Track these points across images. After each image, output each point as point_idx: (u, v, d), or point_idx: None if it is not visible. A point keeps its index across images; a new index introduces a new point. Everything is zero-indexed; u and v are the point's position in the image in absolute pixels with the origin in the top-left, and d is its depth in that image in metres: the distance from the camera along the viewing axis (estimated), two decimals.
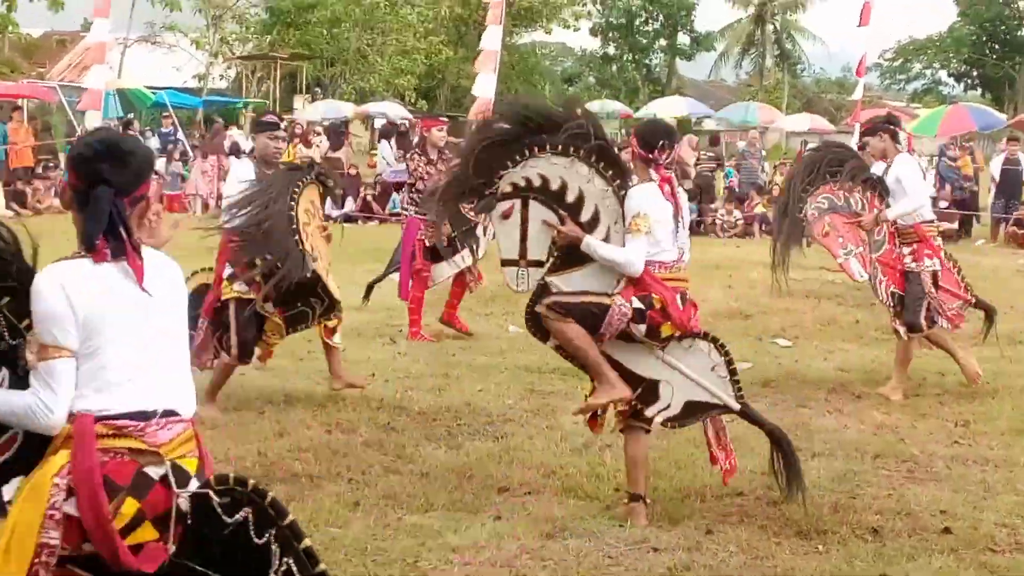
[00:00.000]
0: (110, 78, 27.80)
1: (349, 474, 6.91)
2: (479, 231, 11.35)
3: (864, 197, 9.40)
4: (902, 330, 9.36)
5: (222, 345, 8.32)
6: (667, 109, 42.18)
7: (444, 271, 11.42)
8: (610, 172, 6.23)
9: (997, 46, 65.88)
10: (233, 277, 8.16)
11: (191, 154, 27.40)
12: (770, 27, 64.85)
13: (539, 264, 6.27)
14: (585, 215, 6.20)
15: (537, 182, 6.21)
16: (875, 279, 9.45)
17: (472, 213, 10.22)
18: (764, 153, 29.72)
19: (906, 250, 9.43)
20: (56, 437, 3.52)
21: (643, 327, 6.13)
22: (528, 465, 7.14)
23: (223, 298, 8.22)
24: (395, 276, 11.91)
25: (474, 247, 11.37)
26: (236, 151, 28.07)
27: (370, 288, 12.20)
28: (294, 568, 3.48)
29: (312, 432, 7.77)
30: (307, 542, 3.52)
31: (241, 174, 8.26)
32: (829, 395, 9.37)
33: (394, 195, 25.25)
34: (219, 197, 26.17)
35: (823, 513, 6.40)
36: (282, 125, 8.47)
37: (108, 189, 3.56)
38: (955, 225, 24.18)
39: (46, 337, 3.47)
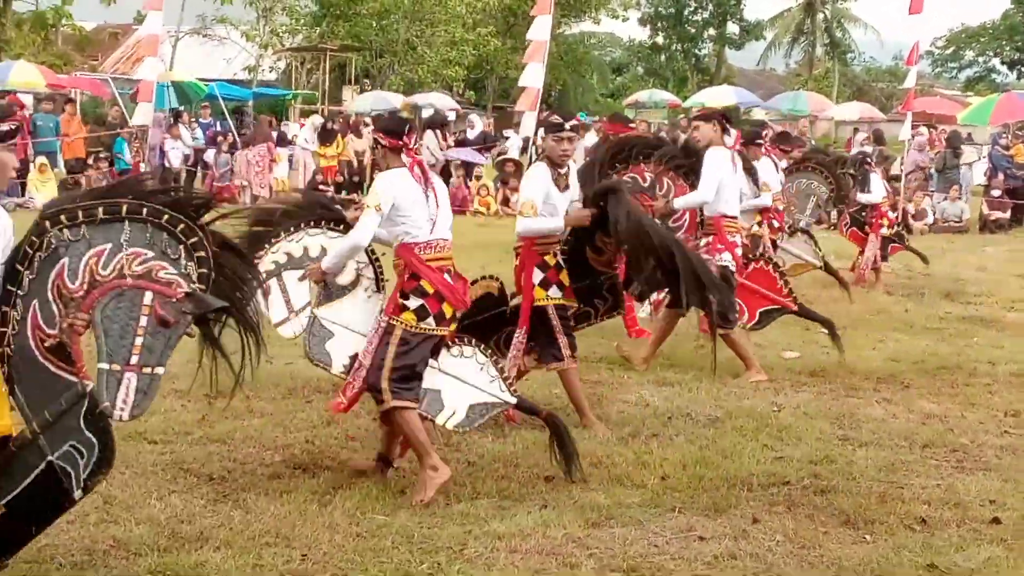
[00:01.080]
0: (162, 71, 28.02)
1: (396, 462, 6.94)
2: None
3: (675, 183, 9.56)
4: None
5: (545, 355, 7.99)
6: (716, 98, 41.99)
7: None
8: (341, 227, 6.96)
9: None
10: (546, 283, 7.86)
11: (240, 147, 27.55)
12: (820, 16, 64.36)
13: (305, 307, 6.94)
14: (315, 254, 6.95)
15: (284, 259, 6.92)
16: None
17: None
18: (813, 142, 29.55)
19: (703, 241, 9.53)
20: None
21: (431, 319, 6.51)
22: None
23: (537, 304, 7.85)
24: None
25: None
26: (284, 140, 28.39)
27: None
28: None
29: (360, 421, 7.81)
30: None
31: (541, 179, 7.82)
32: (878, 384, 9.32)
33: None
34: (271, 188, 26.58)
35: (871, 503, 6.38)
36: (569, 124, 7.74)
37: None
38: (1007, 214, 23.97)
39: None
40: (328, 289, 6.86)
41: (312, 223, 6.96)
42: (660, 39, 66.75)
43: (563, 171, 7.80)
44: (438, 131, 27.63)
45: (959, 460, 7.35)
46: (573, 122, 7.81)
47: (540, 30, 21.65)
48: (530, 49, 21.77)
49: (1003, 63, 69.15)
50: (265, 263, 6.81)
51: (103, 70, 41.57)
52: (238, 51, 42.84)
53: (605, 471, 6.87)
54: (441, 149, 27.32)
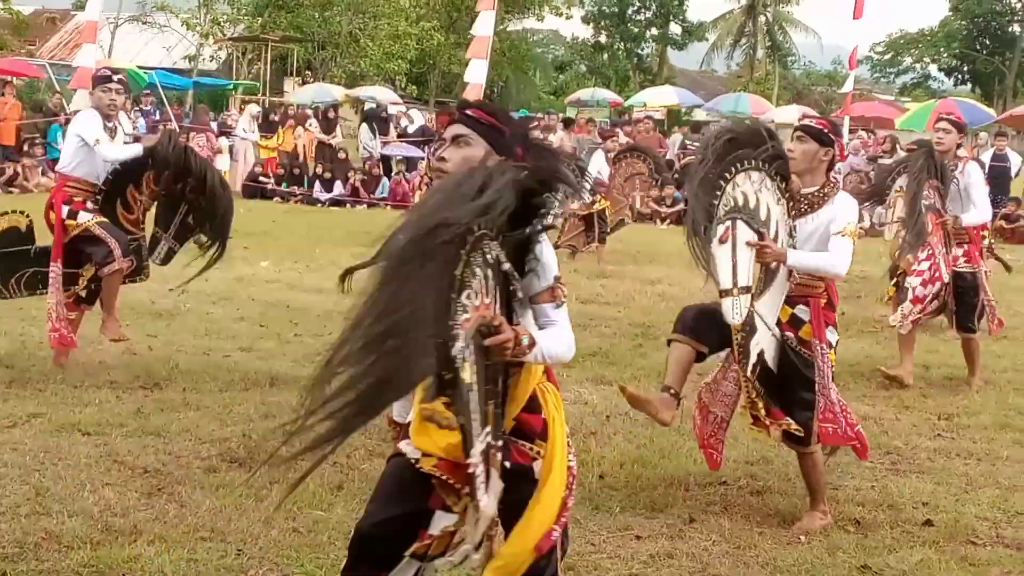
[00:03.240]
0: (100, 57, 27.72)
1: (333, 457, 6.80)
2: None
3: (935, 190, 9.30)
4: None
5: (97, 268, 8.58)
6: (657, 98, 42.25)
7: None
8: (784, 185, 6.00)
9: (988, 41, 66.09)
10: (73, 213, 8.46)
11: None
12: (762, 18, 64.89)
13: (747, 290, 5.86)
14: (771, 230, 5.88)
15: (741, 200, 5.78)
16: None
17: None
18: None
19: (960, 250, 9.54)
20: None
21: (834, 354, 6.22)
22: None
23: (77, 233, 8.47)
24: None
25: None
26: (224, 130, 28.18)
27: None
28: None
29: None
30: None
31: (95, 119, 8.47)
32: None
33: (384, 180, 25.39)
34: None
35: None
36: (116, 78, 8.68)
37: None
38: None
39: None
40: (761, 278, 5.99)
41: (769, 167, 5.85)
42: (603, 38, 66.99)
43: (110, 124, 8.52)
44: (375, 125, 27.60)
45: (893, 462, 7.42)
46: (120, 76, 8.72)
47: (484, 25, 21.65)
48: (473, 45, 21.77)
49: (940, 69, 70.11)
50: (727, 196, 5.74)
51: (40, 55, 41.03)
52: (178, 39, 42.45)
53: None
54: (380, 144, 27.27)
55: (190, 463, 6.69)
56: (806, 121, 6.35)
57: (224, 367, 8.93)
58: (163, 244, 8.73)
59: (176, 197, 8.62)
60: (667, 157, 26.59)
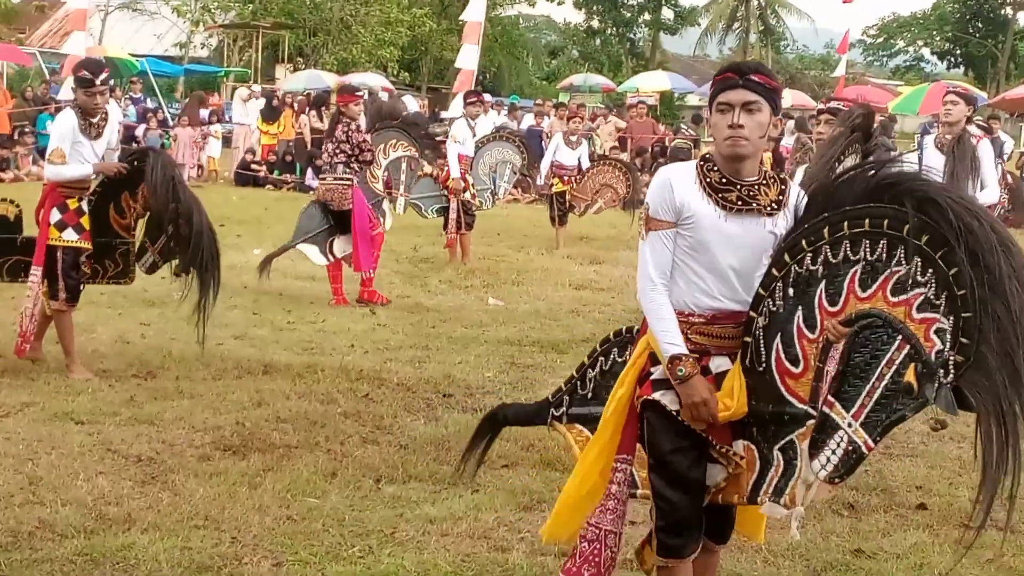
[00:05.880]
0: (90, 45, 27.64)
1: (327, 444, 6.90)
2: (385, 204, 12.49)
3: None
4: None
5: (50, 291, 8.41)
6: (650, 84, 42.18)
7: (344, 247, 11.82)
8: None
9: (980, 24, 66.06)
10: (62, 224, 8.29)
11: (171, 122, 27.21)
12: (755, 2, 64.80)
13: None
14: None
15: None
16: None
17: (378, 186, 11.74)
18: None
19: None
20: None
21: None
22: (506, 438, 7.11)
23: (50, 243, 8.29)
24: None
25: (382, 219, 12.19)
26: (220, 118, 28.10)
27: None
28: None
29: (291, 402, 7.76)
30: None
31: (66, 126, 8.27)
32: None
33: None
34: (200, 167, 26.35)
35: None
36: (100, 79, 8.28)
37: None
38: None
39: None
40: None
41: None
42: (595, 23, 66.81)
43: (94, 120, 8.29)
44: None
45: (886, 446, 7.41)
46: (103, 76, 8.30)
47: (475, 11, 21.64)
48: (465, 30, 21.78)
49: (933, 53, 70.09)
50: None
51: (30, 43, 40.89)
52: (169, 27, 42.34)
53: (536, 455, 6.88)
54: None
55: (183, 451, 6.69)
56: (834, 104, 6.31)
57: (217, 355, 8.91)
58: (149, 255, 8.66)
59: (164, 218, 8.44)
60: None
